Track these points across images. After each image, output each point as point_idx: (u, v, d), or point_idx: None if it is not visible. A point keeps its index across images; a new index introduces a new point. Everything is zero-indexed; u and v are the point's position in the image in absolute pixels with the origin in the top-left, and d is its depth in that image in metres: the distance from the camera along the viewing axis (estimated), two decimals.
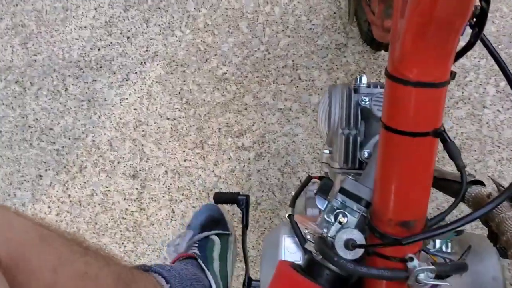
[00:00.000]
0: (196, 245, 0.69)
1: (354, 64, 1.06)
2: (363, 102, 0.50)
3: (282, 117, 1.05)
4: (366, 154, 0.48)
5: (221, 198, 0.62)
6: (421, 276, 0.35)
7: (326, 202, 0.39)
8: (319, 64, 1.07)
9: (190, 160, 1.05)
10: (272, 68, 1.07)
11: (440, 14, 0.32)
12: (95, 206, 1.05)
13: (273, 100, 1.06)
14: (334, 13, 1.08)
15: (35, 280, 0.40)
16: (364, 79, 0.52)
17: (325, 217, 0.38)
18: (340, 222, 0.38)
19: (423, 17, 0.33)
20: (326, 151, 0.54)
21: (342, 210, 0.39)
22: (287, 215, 0.46)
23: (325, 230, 0.38)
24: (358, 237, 0.37)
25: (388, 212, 0.36)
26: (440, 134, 0.37)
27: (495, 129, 1.01)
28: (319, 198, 0.40)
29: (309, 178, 0.55)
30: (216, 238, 0.73)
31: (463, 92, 1.03)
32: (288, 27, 1.08)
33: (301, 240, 0.43)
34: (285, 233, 0.45)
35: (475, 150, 1.02)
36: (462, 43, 0.36)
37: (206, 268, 0.64)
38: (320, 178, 0.56)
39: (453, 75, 0.38)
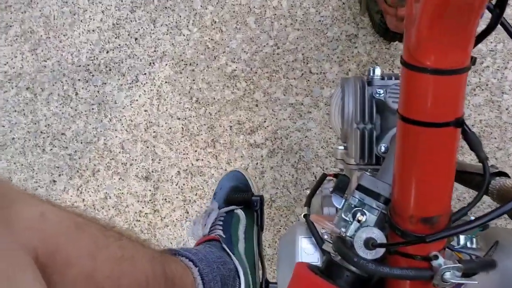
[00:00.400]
0: (220, 222, 0.67)
1: (366, 55, 1.04)
2: (377, 95, 0.48)
3: (294, 112, 1.03)
4: (383, 149, 0.46)
5: (234, 199, 0.61)
6: (447, 275, 0.33)
7: (343, 200, 0.38)
8: (330, 57, 1.04)
9: (202, 159, 1.04)
10: (282, 62, 1.05)
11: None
12: (109, 209, 1.05)
13: (284, 95, 1.04)
14: (343, 3, 1.06)
15: (73, 268, 0.40)
16: (378, 71, 0.50)
17: (343, 215, 0.37)
18: (358, 221, 0.36)
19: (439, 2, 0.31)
20: (341, 147, 0.52)
21: (360, 208, 0.37)
22: (302, 214, 0.45)
23: (343, 229, 0.36)
24: (378, 235, 0.35)
25: (409, 208, 0.34)
26: (462, 123, 0.35)
27: None
28: (335, 196, 0.39)
29: (324, 176, 0.54)
30: (241, 213, 0.70)
31: (480, 79, 1.00)
32: (296, 20, 1.06)
33: (319, 241, 0.42)
34: (301, 234, 0.44)
35: (495, 138, 0.99)
36: (479, 28, 0.34)
37: (231, 252, 0.63)
38: (335, 175, 0.54)
39: (473, 60, 0.36)
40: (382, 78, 0.51)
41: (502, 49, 1.00)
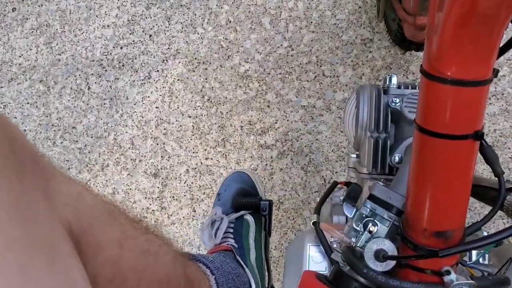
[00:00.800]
0: (231, 230, 0.67)
1: (380, 60, 1.02)
2: (393, 104, 0.48)
3: (306, 114, 1.02)
4: (397, 159, 0.46)
5: (242, 204, 0.60)
6: None
7: (355, 210, 0.37)
8: (344, 60, 1.03)
9: (211, 158, 1.03)
10: (296, 64, 1.05)
11: (484, 5, 0.29)
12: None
13: (297, 97, 1.03)
14: (359, 7, 1.05)
15: (102, 253, 0.40)
16: (394, 79, 0.49)
17: (354, 225, 0.36)
18: (370, 231, 0.35)
19: (465, 8, 0.30)
20: (353, 155, 0.51)
21: (371, 218, 0.36)
22: (312, 222, 0.44)
23: (353, 239, 0.35)
24: (389, 247, 0.34)
25: (423, 222, 0.34)
26: (481, 136, 0.34)
27: None
28: (346, 205, 0.38)
29: (335, 184, 0.53)
30: (250, 218, 0.69)
31: (495, 88, 0.98)
32: (312, 22, 1.05)
33: (327, 250, 0.41)
34: (310, 242, 0.43)
35: (509, 148, 0.97)
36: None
37: (244, 263, 0.63)
38: (346, 183, 0.53)
39: (495, 72, 0.35)
40: (399, 87, 0.50)
41: None
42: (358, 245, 0.35)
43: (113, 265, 0.41)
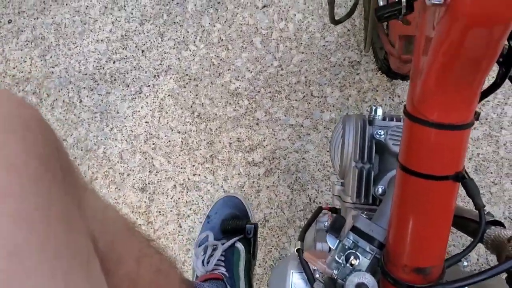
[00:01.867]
0: (223, 258, 0.67)
1: (367, 82, 1.05)
2: (378, 136, 0.49)
3: (293, 133, 1.04)
4: (380, 191, 0.47)
5: (229, 226, 0.61)
6: None
7: (337, 241, 0.38)
8: (331, 81, 1.06)
9: (199, 174, 1.04)
10: (285, 84, 1.07)
11: (467, 54, 0.31)
12: None
13: (285, 116, 1.05)
14: (348, 30, 1.07)
15: (122, 268, 0.40)
16: (380, 111, 0.51)
17: (336, 257, 0.37)
18: (351, 264, 0.37)
19: (449, 57, 0.31)
20: (338, 184, 0.53)
21: (354, 251, 0.37)
22: (295, 249, 0.45)
23: (335, 271, 0.37)
24: (370, 282, 0.36)
25: (403, 257, 0.35)
26: (461, 178, 0.35)
27: None
28: (330, 236, 0.39)
29: (320, 209, 0.54)
30: (240, 246, 0.71)
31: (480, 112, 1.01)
32: (301, 43, 1.08)
33: (310, 279, 0.42)
34: (293, 268, 0.44)
35: (492, 173, 1.00)
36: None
37: None
38: (331, 209, 0.55)
39: (477, 115, 0.37)
40: (384, 118, 0.51)
41: (503, 85, 1.01)
42: (339, 277, 0.36)
43: (131, 282, 0.41)
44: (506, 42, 0.33)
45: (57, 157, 0.31)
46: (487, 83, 0.37)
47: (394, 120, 0.51)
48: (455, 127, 0.34)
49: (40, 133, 0.30)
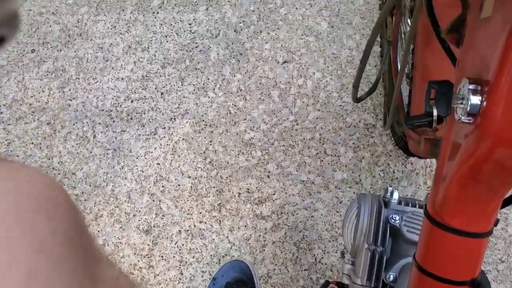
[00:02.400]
0: None
1: (381, 146, 1.06)
2: (392, 220, 0.49)
3: (304, 189, 1.04)
4: (391, 277, 0.47)
5: None
6: None
7: None
8: (346, 141, 1.06)
9: (205, 222, 1.04)
10: (299, 139, 1.07)
11: (492, 170, 0.31)
12: None
13: (297, 171, 1.05)
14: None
15: None
16: (396, 195, 0.51)
17: None
18: None
19: (474, 171, 0.32)
20: (349, 262, 0.52)
21: None
22: None
23: None
24: None
25: None
26: (477, 285, 0.35)
27: None
28: None
29: (327, 283, 0.54)
30: None
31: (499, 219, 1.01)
32: (318, 101, 1.09)
33: None
34: None
35: (499, 250, 0.98)
36: None
37: None
38: (337, 283, 0.54)
39: (496, 222, 0.37)
40: (400, 202, 0.51)
41: None
42: None
43: None
44: None
45: (81, 237, 0.31)
46: None
47: (410, 205, 0.51)
48: (474, 235, 0.34)
49: (67, 215, 0.31)
